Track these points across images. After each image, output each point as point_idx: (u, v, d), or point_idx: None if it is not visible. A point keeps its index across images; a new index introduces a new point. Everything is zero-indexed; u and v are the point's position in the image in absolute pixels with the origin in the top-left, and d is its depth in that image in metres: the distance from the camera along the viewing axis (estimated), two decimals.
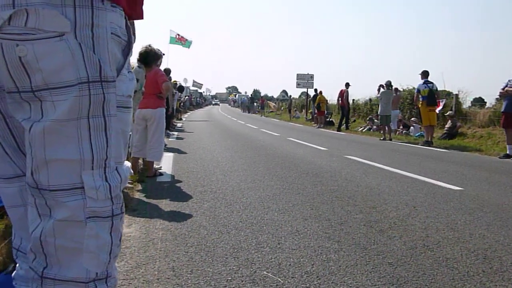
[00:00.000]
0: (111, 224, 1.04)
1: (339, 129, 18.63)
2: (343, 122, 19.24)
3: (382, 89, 14.31)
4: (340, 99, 19.10)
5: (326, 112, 22.29)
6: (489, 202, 4.67)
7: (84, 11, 0.99)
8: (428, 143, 11.94)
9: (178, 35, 27.95)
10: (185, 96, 33.97)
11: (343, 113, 19.29)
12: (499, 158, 9.36)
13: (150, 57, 5.90)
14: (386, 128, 14.07)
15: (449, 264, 2.86)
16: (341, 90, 18.99)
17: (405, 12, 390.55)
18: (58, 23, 0.96)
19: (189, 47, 25.03)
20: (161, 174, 6.13)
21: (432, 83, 12.23)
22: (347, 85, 18.96)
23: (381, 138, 14.02)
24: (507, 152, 9.37)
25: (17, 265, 1.30)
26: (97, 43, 1.00)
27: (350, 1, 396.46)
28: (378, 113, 14.90)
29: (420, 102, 12.20)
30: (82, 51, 0.98)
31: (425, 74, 12.31)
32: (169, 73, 14.18)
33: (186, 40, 24.91)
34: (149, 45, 5.92)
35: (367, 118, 21.11)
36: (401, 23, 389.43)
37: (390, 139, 13.72)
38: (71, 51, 0.96)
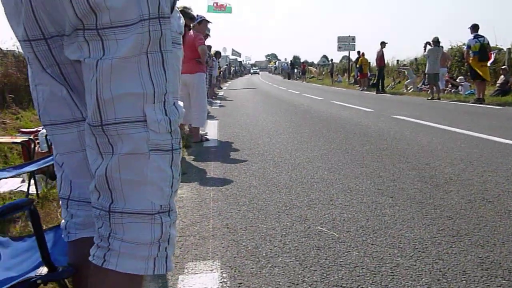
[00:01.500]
0: (171, 158, 1.05)
1: (378, 91, 18.05)
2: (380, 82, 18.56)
3: (429, 46, 13.72)
4: (377, 60, 18.42)
5: (369, 74, 21.69)
6: None
7: None
8: (480, 101, 11.42)
9: (216, 3, 27.66)
10: (225, 65, 33.97)
11: (379, 74, 18.62)
12: None
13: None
14: (434, 88, 13.56)
15: (511, 216, 2.74)
16: (378, 51, 18.30)
17: None
18: None
19: (230, 12, 24.69)
20: (207, 139, 6.18)
21: (483, 37, 11.56)
22: (383, 44, 18.16)
23: (429, 98, 13.53)
24: None
25: (64, 215, 1.31)
26: None
27: None
28: (426, 71, 14.34)
29: (471, 58, 11.59)
30: None
31: (475, 28, 11.65)
32: (210, 50, 14.17)
33: (226, 6, 24.58)
34: (184, 7, 5.65)
35: (402, 65, 20.45)
36: None
37: (439, 98, 13.23)
38: None
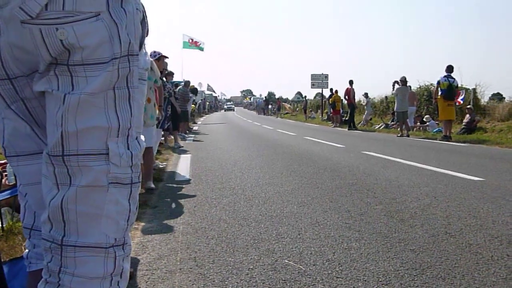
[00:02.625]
0: (130, 192, 1.07)
1: (350, 128, 18.45)
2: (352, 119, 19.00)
3: (397, 85, 14.19)
4: (346, 97, 18.92)
5: (341, 111, 22.15)
6: (511, 191, 4.60)
7: None
8: (447, 138, 11.78)
9: (192, 39, 28.13)
10: (200, 100, 34.18)
11: (351, 111, 19.07)
12: None
13: None
14: (403, 125, 13.94)
15: (472, 249, 2.83)
16: (347, 88, 18.81)
17: (422, 4, 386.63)
18: (94, 3, 0.99)
19: (202, 50, 25.19)
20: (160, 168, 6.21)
21: (454, 78, 12.00)
22: (351, 82, 18.71)
23: (398, 135, 13.90)
24: None
25: (27, 245, 1.32)
26: (128, 19, 1.04)
27: None
28: (395, 109, 14.76)
29: (439, 97, 12.01)
30: (117, 29, 1.01)
31: (449, 68, 12.05)
32: (189, 85, 14.32)
33: (199, 44, 25.08)
34: None
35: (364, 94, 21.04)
36: (417, 17, 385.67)
37: (408, 136, 13.59)
38: (108, 30, 1.00)
